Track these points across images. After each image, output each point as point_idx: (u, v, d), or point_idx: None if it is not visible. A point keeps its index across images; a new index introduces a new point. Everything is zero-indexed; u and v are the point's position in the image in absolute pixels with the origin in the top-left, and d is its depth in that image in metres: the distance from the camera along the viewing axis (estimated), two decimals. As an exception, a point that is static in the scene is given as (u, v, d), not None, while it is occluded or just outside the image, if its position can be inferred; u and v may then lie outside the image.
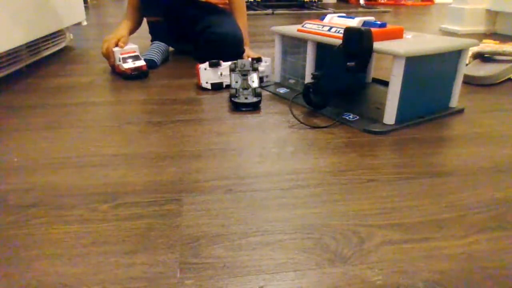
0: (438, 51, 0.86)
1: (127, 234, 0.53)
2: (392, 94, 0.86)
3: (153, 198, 0.61)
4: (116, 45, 1.32)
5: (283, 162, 0.72)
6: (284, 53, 1.17)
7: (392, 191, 0.63)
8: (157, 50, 1.47)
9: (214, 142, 0.81)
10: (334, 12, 3.48)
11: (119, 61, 1.27)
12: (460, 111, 0.98)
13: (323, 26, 1.00)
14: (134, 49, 1.30)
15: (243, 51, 1.44)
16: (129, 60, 1.27)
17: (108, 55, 1.33)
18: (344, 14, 1.05)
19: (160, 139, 0.82)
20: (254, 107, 1.01)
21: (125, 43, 1.34)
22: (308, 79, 1.05)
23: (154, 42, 1.52)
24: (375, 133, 0.85)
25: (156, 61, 1.42)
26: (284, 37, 1.15)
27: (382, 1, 4.51)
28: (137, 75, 1.26)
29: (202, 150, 0.77)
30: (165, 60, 1.53)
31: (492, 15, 2.23)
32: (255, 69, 1.07)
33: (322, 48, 1.03)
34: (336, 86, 1.12)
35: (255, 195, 0.62)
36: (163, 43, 1.52)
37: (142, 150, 0.77)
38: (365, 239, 0.52)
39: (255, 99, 1.00)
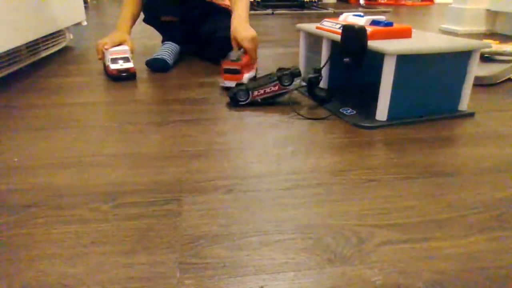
0: (436, 51, 0.86)
1: (127, 234, 0.53)
2: (383, 91, 0.87)
3: (153, 198, 0.61)
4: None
5: (283, 162, 0.72)
6: (308, 50, 1.19)
7: (392, 191, 0.63)
8: (169, 50, 1.43)
9: (214, 142, 0.81)
10: (334, 13, 3.48)
11: (108, 61, 1.27)
12: (470, 115, 0.95)
13: (336, 23, 1.03)
14: (125, 50, 1.30)
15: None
16: (119, 61, 1.26)
17: (99, 52, 1.32)
18: (361, 13, 1.06)
19: (160, 139, 0.82)
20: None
21: (117, 42, 1.34)
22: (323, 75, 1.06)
23: (166, 42, 1.48)
24: (362, 127, 0.87)
25: (168, 61, 1.38)
26: (307, 35, 1.17)
27: (382, 1, 4.51)
28: (125, 76, 1.25)
29: (202, 150, 0.77)
30: (175, 62, 1.48)
31: (492, 15, 2.23)
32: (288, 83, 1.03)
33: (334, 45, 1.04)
34: (344, 83, 1.11)
35: (255, 195, 0.62)
36: (175, 44, 1.47)
37: (142, 150, 0.77)
38: (365, 239, 0.52)
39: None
